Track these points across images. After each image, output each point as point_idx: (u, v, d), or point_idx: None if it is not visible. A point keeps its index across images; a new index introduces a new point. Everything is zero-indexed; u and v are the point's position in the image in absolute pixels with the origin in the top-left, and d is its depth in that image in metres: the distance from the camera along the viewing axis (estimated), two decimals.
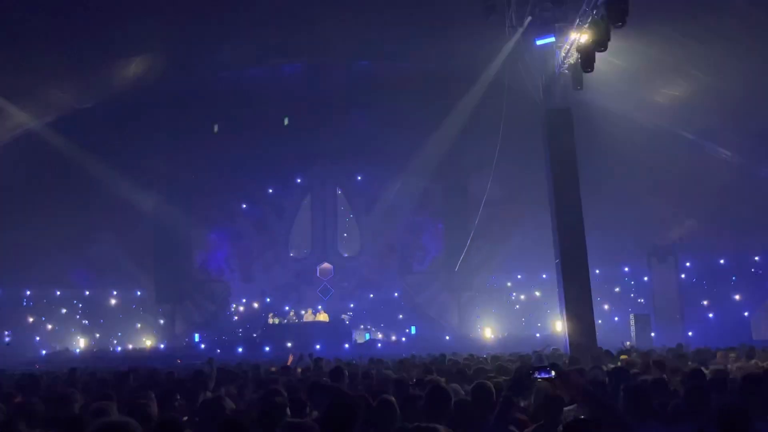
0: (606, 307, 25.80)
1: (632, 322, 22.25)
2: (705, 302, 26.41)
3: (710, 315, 26.06)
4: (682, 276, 26.80)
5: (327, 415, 3.48)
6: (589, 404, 3.04)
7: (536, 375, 3.11)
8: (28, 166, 21.86)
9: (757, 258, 25.97)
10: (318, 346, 21.84)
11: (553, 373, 3.06)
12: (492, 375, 6.72)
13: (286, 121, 25.77)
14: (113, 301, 28.22)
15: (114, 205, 24.13)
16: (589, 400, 3.02)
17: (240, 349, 24.07)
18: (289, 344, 21.97)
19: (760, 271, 26.07)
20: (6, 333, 25.00)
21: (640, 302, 26.82)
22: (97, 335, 27.45)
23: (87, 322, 27.55)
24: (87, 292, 27.73)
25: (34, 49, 17.81)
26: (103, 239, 24.84)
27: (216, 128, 25.71)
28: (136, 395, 5.64)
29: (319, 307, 26.79)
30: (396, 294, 28.59)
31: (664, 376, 6.51)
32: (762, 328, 24.86)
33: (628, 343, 19.65)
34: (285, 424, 3.03)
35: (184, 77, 23.98)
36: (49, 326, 26.87)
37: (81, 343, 26.92)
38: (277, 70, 26.00)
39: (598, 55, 11.85)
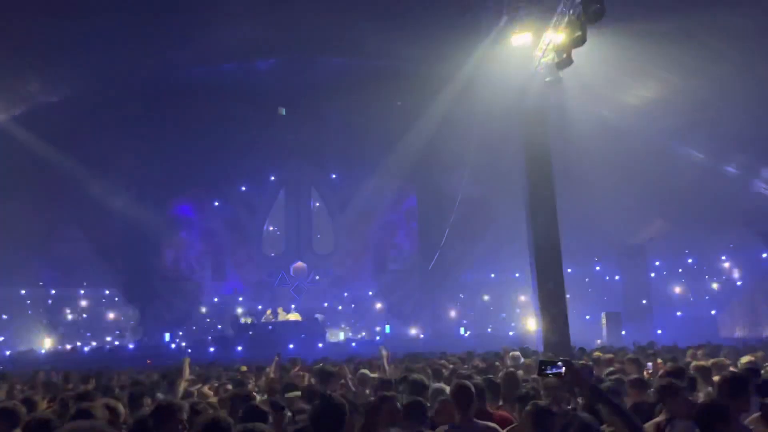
0: (578, 305, 26.09)
1: (604, 320, 22.55)
2: (673, 300, 26.95)
3: (678, 313, 26.59)
4: (652, 275, 27.29)
5: (315, 419, 3.43)
6: (597, 401, 3.13)
7: (546, 370, 3.12)
8: None
9: (723, 257, 26.58)
10: (291, 346, 21.64)
11: (563, 369, 3.08)
12: (468, 374, 6.72)
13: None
14: (81, 301, 27.59)
15: (82, 201, 23.58)
16: (597, 397, 3.10)
17: (212, 349, 23.73)
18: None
19: (727, 272, 26.69)
20: None
21: (611, 300, 27.23)
22: (64, 335, 26.79)
23: (53, 321, 26.88)
24: (53, 291, 27.06)
25: None
26: (71, 237, 24.27)
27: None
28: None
29: (293, 306, 26.57)
30: (370, 293, 28.52)
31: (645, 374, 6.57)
32: (728, 327, 25.48)
33: (599, 341, 19.94)
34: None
35: (155, 72, 23.51)
36: (14, 326, 26.12)
37: (47, 343, 26.23)
38: (251, 66, 25.68)
39: (573, 55, 11.94)
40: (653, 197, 23.87)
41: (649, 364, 8.52)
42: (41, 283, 26.91)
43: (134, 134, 23.77)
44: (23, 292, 26.59)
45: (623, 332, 22.34)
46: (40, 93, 21.68)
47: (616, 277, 27.41)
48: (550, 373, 3.10)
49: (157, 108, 23.83)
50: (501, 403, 5.44)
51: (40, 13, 16.81)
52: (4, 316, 26.29)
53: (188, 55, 23.03)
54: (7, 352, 24.40)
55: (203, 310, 28.34)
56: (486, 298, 28.81)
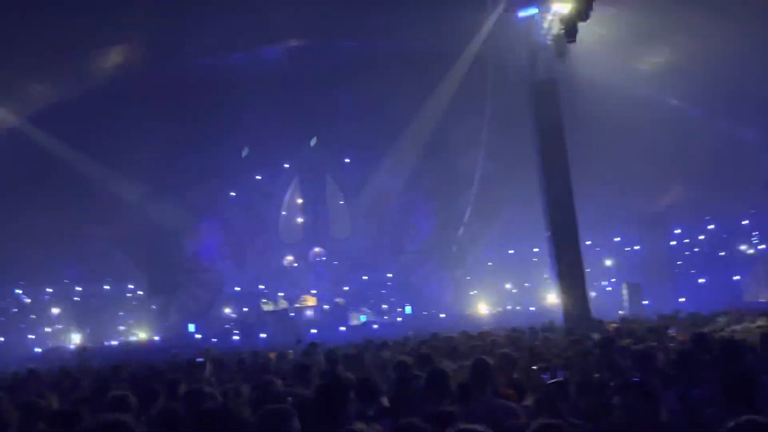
0: (598, 276, 25.93)
1: (624, 291, 22.40)
2: (695, 268, 26.69)
3: (701, 280, 26.31)
4: (673, 243, 26.98)
5: (318, 395, 3.53)
6: None
7: None
8: (11, 162, 21.58)
9: (745, 222, 26.15)
10: (313, 331, 21.88)
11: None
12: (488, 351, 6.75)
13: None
14: (106, 296, 28.09)
15: (102, 198, 23.90)
16: None
17: (236, 338, 24.07)
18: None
19: (750, 235, 26.28)
20: None
21: (632, 271, 26.99)
22: (90, 331, 27.32)
23: (80, 317, 27.41)
24: (78, 288, 27.56)
25: (10, 43, 17.45)
26: (93, 233, 24.63)
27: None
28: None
29: (312, 291, 26.79)
30: (389, 275, 28.61)
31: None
32: (752, 291, 25.15)
33: (621, 312, 19.83)
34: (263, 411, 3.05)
35: (165, 65, 23.63)
36: (42, 323, 26.71)
37: (75, 339, 26.79)
38: (259, 54, 25.66)
39: (581, 25, 11.74)
40: (671, 164, 23.50)
41: (672, 328, 8.58)
42: (66, 281, 27.40)
43: (148, 128, 23.94)
44: (49, 290, 27.10)
45: (645, 302, 22.18)
46: (52, 92, 21.90)
47: (636, 247, 27.15)
48: None
49: (169, 100, 23.98)
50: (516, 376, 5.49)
51: (50, 12, 16.92)
52: (34, 315, 26.89)
53: (197, 46, 23.09)
54: (37, 350, 25.00)
55: (226, 299, 28.69)
56: (506, 274, 28.75)
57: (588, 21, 11.16)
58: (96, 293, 27.90)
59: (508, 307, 26.58)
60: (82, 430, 2.12)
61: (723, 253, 26.33)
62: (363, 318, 26.10)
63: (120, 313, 28.17)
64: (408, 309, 27.20)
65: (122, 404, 4.62)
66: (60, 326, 26.93)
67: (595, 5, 10.77)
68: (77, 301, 27.62)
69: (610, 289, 25.91)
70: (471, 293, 27.94)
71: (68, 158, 22.22)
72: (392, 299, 28.07)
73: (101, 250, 25.42)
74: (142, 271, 27.71)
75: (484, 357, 5.03)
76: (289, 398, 4.39)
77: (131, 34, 20.19)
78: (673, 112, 23.06)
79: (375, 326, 24.65)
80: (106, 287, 28.11)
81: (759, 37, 17.43)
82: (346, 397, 3.44)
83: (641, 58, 20.92)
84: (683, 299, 23.77)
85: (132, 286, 28.51)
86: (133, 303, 28.47)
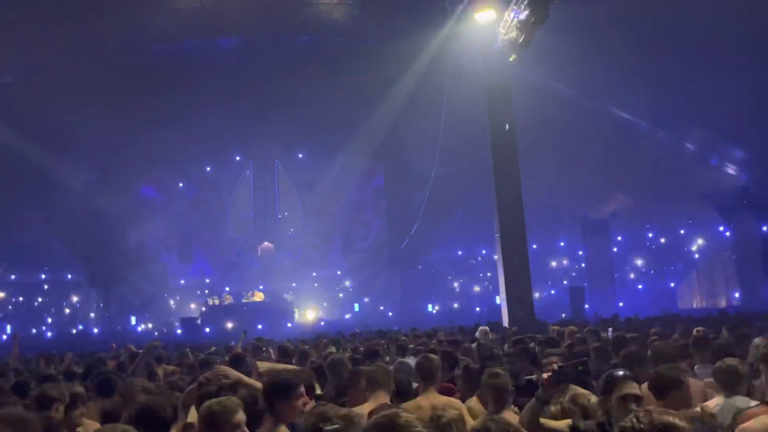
0: (543, 280, 26.58)
1: (568, 295, 23.02)
2: (634, 274, 27.70)
3: (639, 286, 27.32)
4: (615, 249, 27.92)
5: (265, 387, 3.53)
6: None
7: None
8: None
9: (682, 231, 27.31)
10: (260, 326, 21.60)
11: None
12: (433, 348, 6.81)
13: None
14: (42, 285, 26.98)
15: (41, 183, 22.91)
16: None
17: (179, 331, 23.55)
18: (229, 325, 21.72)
19: (686, 244, 27.47)
20: None
21: (575, 275, 27.80)
22: (25, 320, 26.20)
23: (14, 307, 26.26)
24: (13, 276, 26.38)
25: None
26: (29, 219, 23.61)
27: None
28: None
29: (261, 286, 26.45)
30: (339, 272, 28.54)
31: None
32: (686, 298, 26.31)
33: (563, 315, 20.37)
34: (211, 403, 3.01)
35: (114, 49, 22.82)
36: None
37: (8, 329, 25.63)
38: (214, 43, 25.13)
39: (537, 33, 11.99)
40: (615, 172, 24.30)
41: (610, 330, 8.87)
42: (1, 269, 26.21)
43: (95, 115, 23.08)
44: None
45: (587, 306, 22.85)
46: None
47: (580, 252, 27.95)
48: None
49: (119, 87, 23.14)
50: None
51: None
52: None
53: (149, 31, 22.40)
54: None
55: (170, 292, 28.02)
56: (453, 274, 29.13)
57: (542, 25, 11.40)
58: (31, 282, 26.76)
59: (455, 306, 26.93)
60: None
61: (660, 261, 27.43)
62: (311, 315, 25.95)
63: (57, 303, 27.10)
64: (356, 306, 27.20)
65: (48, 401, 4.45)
66: None
67: (551, 13, 11.02)
68: (11, 289, 26.43)
69: (553, 292, 26.60)
70: (419, 292, 28.17)
71: (6, 141, 21.19)
72: (341, 296, 28.00)
73: (38, 237, 24.38)
74: (82, 261, 26.69)
75: (430, 354, 5.06)
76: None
77: (78, 13, 19.42)
78: (619, 122, 23.85)
79: (322, 323, 24.55)
80: (43, 276, 27.00)
81: (700, 53, 18.21)
82: (294, 391, 3.42)
83: (591, 69, 21.52)
84: (622, 304, 24.64)
85: (71, 276, 27.46)
86: (72, 293, 27.43)
